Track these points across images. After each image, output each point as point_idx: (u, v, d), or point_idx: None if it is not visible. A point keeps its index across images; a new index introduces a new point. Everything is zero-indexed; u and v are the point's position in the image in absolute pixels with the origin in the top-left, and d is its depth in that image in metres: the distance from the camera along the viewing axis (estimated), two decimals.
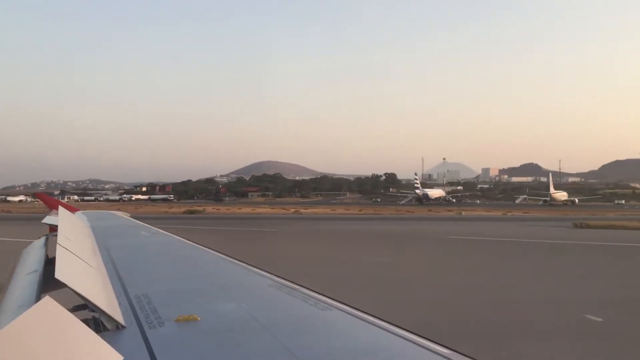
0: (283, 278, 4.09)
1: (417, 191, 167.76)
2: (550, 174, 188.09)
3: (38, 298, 3.04)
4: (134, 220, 10.82)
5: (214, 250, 5.88)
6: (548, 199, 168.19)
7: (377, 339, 2.60)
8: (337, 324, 2.84)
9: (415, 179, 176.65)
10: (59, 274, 2.56)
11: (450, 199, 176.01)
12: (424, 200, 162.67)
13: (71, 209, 11.10)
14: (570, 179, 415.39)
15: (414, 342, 2.49)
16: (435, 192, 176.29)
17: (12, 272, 4.54)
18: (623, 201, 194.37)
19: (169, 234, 8.05)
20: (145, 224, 9.80)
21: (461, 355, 2.36)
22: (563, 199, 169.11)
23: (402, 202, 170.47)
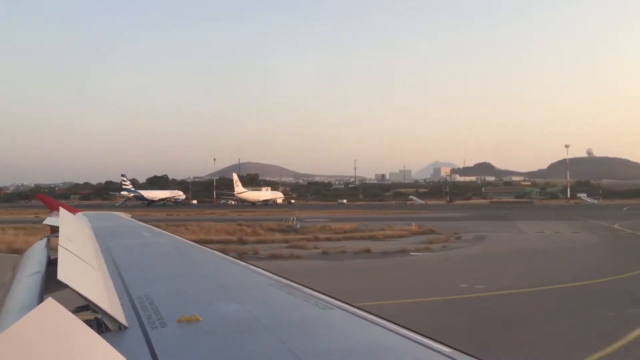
0: (285, 278, 4.11)
1: (124, 192, 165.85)
2: (234, 174, 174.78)
3: (40, 299, 3.04)
4: (136, 221, 10.77)
5: (216, 250, 5.91)
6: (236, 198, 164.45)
7: (379, 338, 2.63)
8: (339, 323, 2.86)
9: (123, 180, 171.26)
10: (61, 276, 2.57)
11: (176, 200, 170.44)
12: (150, 202, 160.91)
13: (72, 210, 11.03)
14: (514, 178, 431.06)
15: (416, 341, 2.51)
16: (158, 194, 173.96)
17: (14, 273, 4.46)
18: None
19: (171, 234, 8.05)
20: (147, 225, 9.80)
21: (464, 354, 2.38)
22: (263, 198, 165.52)
23: (117, 204, 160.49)
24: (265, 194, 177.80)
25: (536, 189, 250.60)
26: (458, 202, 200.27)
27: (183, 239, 7.42)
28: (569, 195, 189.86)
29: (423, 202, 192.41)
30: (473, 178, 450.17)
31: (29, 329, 1.62)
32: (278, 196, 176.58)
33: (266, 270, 4.49)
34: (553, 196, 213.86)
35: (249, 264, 4.90)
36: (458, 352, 2.39)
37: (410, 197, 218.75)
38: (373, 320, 2.88)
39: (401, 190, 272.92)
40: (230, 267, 4.91)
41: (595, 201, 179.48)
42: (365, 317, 2.94)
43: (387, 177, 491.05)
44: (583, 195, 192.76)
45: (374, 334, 2.70)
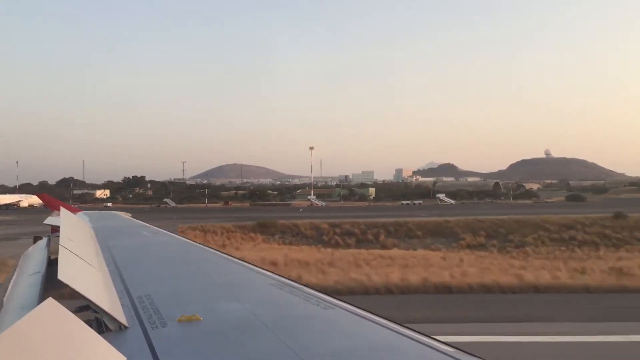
0: (285, 277, 4.10)
1: None
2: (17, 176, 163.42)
3: (41, 299, 3.01)
4: (136, 220, 10.77)
5: (216, 250, 5.89)
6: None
7: (380, 337, 2.61)
8: (340, 322, 2.85)
9: None
10: (62, 275, 2.56)
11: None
12: None
13: (73, 209, 11.08)
14: (471, 179, 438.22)
15: (417, 340, 2.50)
16: None
17: (14, 273, 4.39)
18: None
19: (171, 233, 8.04)
20: (147, 224, 9.78)
21: (465, 354, 2.37)
22: (3, 202, 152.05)
23: None
24: (6, 197, 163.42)
25: (344, 191, 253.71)
26: (234, 204, 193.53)
27: (184, 239, 7.39)
28: (340, 198, 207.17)
29: (174, 205, 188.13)
30: (430, 179, 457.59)
31: (29, 329, 1.62)
32: (24, 199, 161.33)
33: (267, 270, 4.48)
34: (361, 198, 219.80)
35: (250, 263, 4.89)
36: (460, 352, 2.39)
37: (165, 200, 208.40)
38: (374, 320, 2.88)
39: (223, 193, 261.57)
40: (231, 267, 4.88)
41: (324, 204, 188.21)
42: (366, 317, 2.94)
43: (350, 177, 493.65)
44: (312, 198, 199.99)
45: (375, 333, 2.70)
